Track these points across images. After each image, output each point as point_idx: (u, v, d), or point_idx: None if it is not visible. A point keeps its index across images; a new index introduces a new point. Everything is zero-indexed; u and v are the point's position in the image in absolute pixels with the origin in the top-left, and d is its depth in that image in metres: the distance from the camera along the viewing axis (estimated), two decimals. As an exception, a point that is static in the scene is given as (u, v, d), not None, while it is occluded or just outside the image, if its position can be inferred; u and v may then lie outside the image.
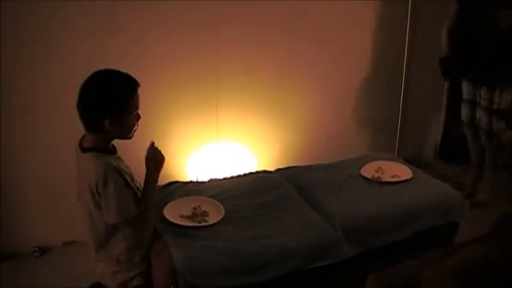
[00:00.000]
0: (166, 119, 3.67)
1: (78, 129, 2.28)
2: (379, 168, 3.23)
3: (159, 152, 2.40)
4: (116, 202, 2.19)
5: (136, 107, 2.27)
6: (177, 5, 3.49)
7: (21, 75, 3.22)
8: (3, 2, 3.03)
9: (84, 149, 2.26)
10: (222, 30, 3.64)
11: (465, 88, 3.74)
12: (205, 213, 2.69)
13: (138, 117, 2.30)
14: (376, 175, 3.15)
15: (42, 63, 3.24)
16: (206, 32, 3.61)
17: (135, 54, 3.42)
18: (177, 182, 3.11)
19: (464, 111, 3.80)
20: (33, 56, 3.21)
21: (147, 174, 2.37)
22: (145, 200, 2.34)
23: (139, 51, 3.45)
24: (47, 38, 3.21)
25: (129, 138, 2.32)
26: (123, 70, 2.25)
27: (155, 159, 2.38)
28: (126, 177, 2.28)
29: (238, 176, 3.24)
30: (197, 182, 3.23)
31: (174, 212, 2.68)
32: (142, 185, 2.39)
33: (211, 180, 3.19)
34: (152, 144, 2.39)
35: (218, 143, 3.90)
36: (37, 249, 3.48)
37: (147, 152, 2.38)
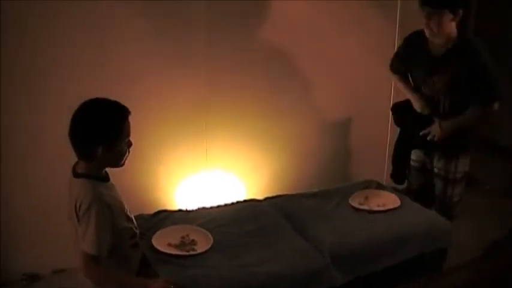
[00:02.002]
0: (156, 147, 3.67)
1: (70, 157, 2.28)
2: (367, 197, 3.26)
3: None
4: (94, 233, 2.16)
5: (128, 134, 2.29)
6: (169, 35, 3.53)
7: (19, 92, 3.24)
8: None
9: (77, 175, 2.27)
10: (213, 60, 3.68)
11: (414, 155, 3.50)
12: (193, 242, 2.69)
13: (129, 144, 2.31)
14: (365, 204, 3.17)
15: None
16: (196, 61, 3.64)
17: (126, 82, 3.43)
18: (165, 210, 3.11)
19: (415, 178, 3.58)
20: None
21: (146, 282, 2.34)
22: (119, 277, 2.31)
23: (130, 79, 3.47)
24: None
25: (121, 166, 2.33)
26: (113, 98, 2.27)
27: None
28: (114, 210, 2.27)
29: (227, 204, 3.25)
30: (186, 210, 3.23)
31: (163, 241, 2.68)
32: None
33: (199, 208, 3.19)
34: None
35: (207, 172, 3.90)
36: (25, 277, 3.44)
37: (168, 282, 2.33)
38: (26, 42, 3.17)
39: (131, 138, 2.32)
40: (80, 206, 2.18)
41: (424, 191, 3.50)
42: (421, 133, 3.25)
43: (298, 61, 4.02)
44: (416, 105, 3.27)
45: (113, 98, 2.27)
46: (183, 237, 2.72)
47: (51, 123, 3.20)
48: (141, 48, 3.49)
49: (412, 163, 3.52)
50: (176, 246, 2.65)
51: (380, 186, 3.50)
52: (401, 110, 3.43)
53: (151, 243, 2.64)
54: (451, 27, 3.02)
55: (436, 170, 3.36)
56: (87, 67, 3.35)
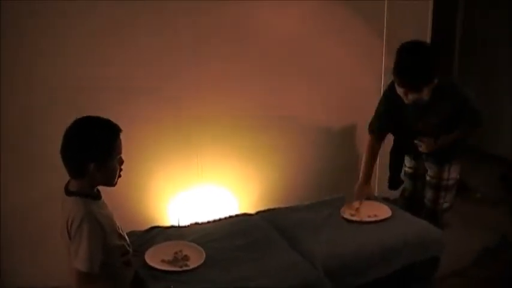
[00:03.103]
0: (148, 163, 3.68)
1: (65, 173, 2.29)
2: (358, 208, 3.26)
3: None
4: (86, 252, 2.17)
5: (119, 152, 2.31)
6: (160, 46, 3.57)
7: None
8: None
9: (69, 193, 2.28)
10: (204, 73, 3.71)
11: (407, 161, 3.57)
12: (186, 258, 2.70)
13: (121, 161, 2.33)
14: (356, 215, 3.18)
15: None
16: (189, 75, 3.66)
17: (118, 97, 3.47)
18: (158, 227, 3.12)
19: (408, 184, 3.63)
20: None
21: None
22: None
23: (122, 93, 3.50)
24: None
25: (113, 185, 2.35)
26: (105, 116, 2.29)
27: None
28: (106, 228, 2.28)
29: (219, 219, 3.26)
30: (178, 226, 3.25)
31: (156, 257, 2.68)
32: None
33: (192, 224, 3.20)
34: None
35: (200, 187, 3.91)
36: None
37: None
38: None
39: (123, 155, 2.34)
40: (71, 223, 2.18)
41: (416, 198, 3.54)
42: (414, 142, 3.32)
43: (290, 74, 4.05)
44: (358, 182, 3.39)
45: (107, 110, 2.30)
46: (176, 253, 2.73)
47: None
48: (136, 60, 3.52)
49: (405, 169, 3.56)
50: (169, 262, 2.66)
51: (371, 197, 3.50)
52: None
53: (144, 260, 2.65)
54: (429, 93, 3.00)
55: (428, 177, 3.40)
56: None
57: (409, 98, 2.98)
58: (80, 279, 2.21)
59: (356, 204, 3.29)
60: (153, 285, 2.47)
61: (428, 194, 3.42)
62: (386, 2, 4.23)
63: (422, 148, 3.28)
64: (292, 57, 4.04)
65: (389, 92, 3.18)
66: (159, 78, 3.61)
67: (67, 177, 2.31)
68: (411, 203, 3.51)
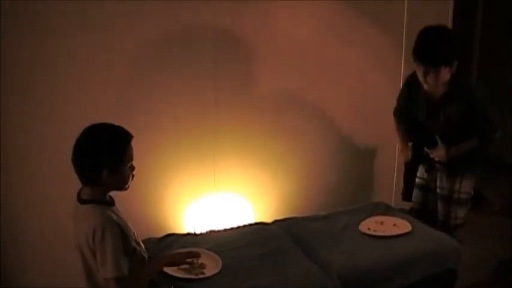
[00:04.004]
0: (164, 170, 3.68)
1: (76, 178, 2.30)
2: (377, 223, 3.23)
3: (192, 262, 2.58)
4: (112, 257, 2.19)
5: (131, 159, 2.32)
6: (175, 55, 3.55)
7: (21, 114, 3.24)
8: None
9: (82, 201, 2.29)
10: (220, 80, 3.70)
11: (419, 172, 3.54)
12: (202, 266, 2.69)
13: (132, 168, 2.34)
14: (374, 229, 3.15)
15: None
16: (204, 83, 3.67)
17: (133, 104, 3.47)
18: (174, 234, 3.12)
19: (416, 196, 3.58)
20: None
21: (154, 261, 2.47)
22: (145, 274, 2.39)
23: (138, 101, 3.50)
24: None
25: (125, 189, 2.36)
26: (120, 119, 2.31)
27: (174, 261, 2.54)
28: (125, 231, 2.28)
29: (236, 227, 3.25)
30: (194, 234, 3.24)
31: None
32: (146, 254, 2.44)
33: (208, 232, 3.20)
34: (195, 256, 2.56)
35: (215, 195, 3.91)
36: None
37: (187, 254, 2.57)
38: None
39: (138, 161, 2.34)
40: (93, 233, 2.19)
41: (425, 212, 3.49)
42: (425, 152, 3.31)
43: (307, 82, 4.04)
44: (402, 154, 3.47)
45: (119, 118, 2.30)
46: (192, 261, 2.73)
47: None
48: (148, 68, 3.52)
49: (416, 180, 3.53)
50: (185, 270, 2.64)
51: (389, 208, 3.49)
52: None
53: None
54: (448, 77, 3.04)
55: (439, 190, 3.36)
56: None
57: (428, 81, 3.01)
58: (112, 286, 2.21)
59: (376, 219, 3.27)
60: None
61: (439, 207, 3.38)
62: (406, 2, 4.21)
63: (433, 156, 3.26)
64: (309, 63, 4.02)
65: (411, 79, 3.25)
66: (174, 85, 3.60)
67: (78, 181, 2.31)
68: (421, 216, 3.44)
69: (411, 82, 3.25)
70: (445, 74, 2.99)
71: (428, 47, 2.98)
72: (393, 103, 3.54)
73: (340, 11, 4.05)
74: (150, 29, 3.47)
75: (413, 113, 3.35)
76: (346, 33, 4.11)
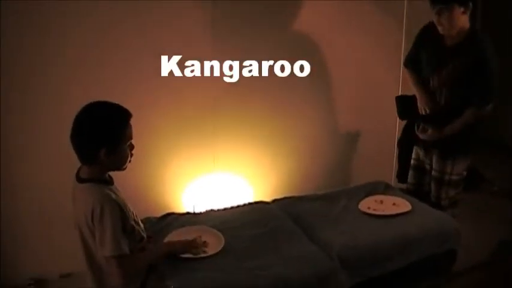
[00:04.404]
0: (163, 150, 3.68)
1: (75, 160, 2.28)
2: (377, 202, 3.22)
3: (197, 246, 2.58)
4: (111, 235, 2.18)
5: (130, 137, 2.30)
6: (177, 35, 3.54)
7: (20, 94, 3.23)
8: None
9: (81, 180, 2.27)
10: (221, 61, 3.68)
11: (414, 153, 3.53)
12: (205, 244, 2.69)
13: (131, 147, 2.32)
14: (374, 209, 3.14)
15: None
16: (204, 62, 3.63)
17: (132, 84, 3.45)
18: (173, 213, 3.11)
19: (411, 177, 3.58)
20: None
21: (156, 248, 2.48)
22: (146, 256, 2.39)
23: (137, 80, 3.48)
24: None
25: (123, 169, 2.34)
26: (120, 101, 2.28)
27: (175, 249, 2.54)
28: (124, 210, 2.27)
29: (235, 207, 3.24)
30: (194, 213, 3.23)
31: None
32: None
33: (208, 211, 3.19)
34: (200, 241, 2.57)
35: (215, 174, 3.90)
36: (32, 281, 3.43)
37: (193, 242, 2.58)
38: (26, 42, 3.17)
39: (138, 141, 2.32)
40: (92, 212, 2.18)
41: (420, 193, 3.48)
42: (417, 132, 3.31)
43: (308, 60, 3.99)
44: (422, 101, 3.29)
45: (119, 100, 2.28)
46: (195, 239, 2.73)
47: (53, 124, 3.21)
48: (147, 50, 3.48)
49: (412, 161, 3.52)
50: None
51: (388, 188, 3.48)
52: (405, 103, 3.43)
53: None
54: (463, 20, 3.02)
55: (433, 171, 3.36)
56: (90, 68, 3.34)
57: (442, 22, 3.01)
58: (112, 265, 2.21)
59: (375, 198, 3.26)
60: (167, 271, 2.47)
61: (432, 187, 3.38)
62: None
63: (427, 135, 3.25)
64: (312, 49, 4.00)
65: (424, 31, 3.26)
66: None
67: (77, 163, 2.30)
68: (416, 197, 3.43)
69: (427, 29, 3.23)
70: (459, 15, 2.98)
71: None
72: (394, 88, 3.51)
73: (341, 5, 4.05)
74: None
75: (424, 60, 3.31)
76: (346, 23, 4.12)
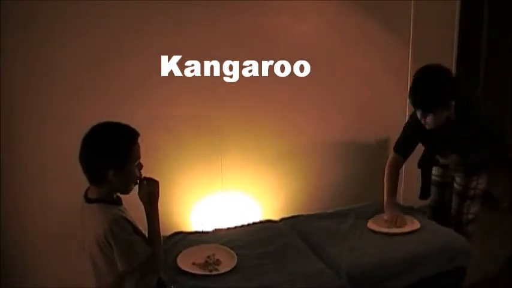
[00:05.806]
0: (171, 169, 3.67)
1: (83, 177, 2.29)
2: (386, 221, 3.22)
3: (152, 181, 2.38)
4: (127, 247, 2.19)
5: (138, 157, 2.31)
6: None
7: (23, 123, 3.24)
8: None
9: (89, 200, 2.29)
10: (225, 79, 3.69)
11: (434, 170, 3.51)
12: (217, 262, 2.72)
13: (140, 166, 2.33)
14: (382, 227, 3.14)
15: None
16: (209, 81, 3.65)
17: (139, 103, 3.46)
18: (181, 232, 3.12)
19: (432, 194, 3.54)
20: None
21: (147, 214, 2.37)
22: (155, 239, 2.35)
23: (144, 99, 3.49)
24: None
25: (127, 192, 2.34)
26: (127, 118, 2.30)
27: (149, 192, 2.37)
28: (133, 226, 2.29)
29: (243, 225, 3.26)
30: (201, 232, 3.24)
31: (188, 259, 2.74)
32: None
33: (215, 230, 3.20)
34: (141, 181, 2.36)
35: (223, 193, 3.91)
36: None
37: (139, 190, 2.35)
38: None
39: (146, 160, 2.33)
40: (104, 234, 2.17)
41: (442, 208, 3.48)
42: (441, 161, 3.37)
43: (313, 81, 4.01)
44: (386, 210, 3.28)
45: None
46: (208, 257, 2.76)
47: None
48: (155, 66, 3.50)
49: (432, 178, 3.52)
50: (200, 266, 2.69)
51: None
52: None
53: (175, 262, 2.70)
54: (447, 114, 2.97)
55: (456, 185, 3.35)
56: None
57: (427, 122, 2.96)
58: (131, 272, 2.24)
59: (384, 216, 3.25)
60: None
61: (454, 202, 3.37)
62: (412, 2, 4.20)
63: (451, 160, 3.28)
64: (318, 65, 3.99)
65: (414, 117, 3.14)
66: (181, 85, 3.58)
67: (85, 179, 2.31)
68: (437, 213, 3.45)
69: (414, 122, 3.13)
70: (443, 114, 2.95)
71: (421, 92, 2.93)
72: (400, 103, 3.49)
73: (345, 10, 4.05)
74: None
75: (413, 149, 3.31)
76: (351, 32, 4.11)
